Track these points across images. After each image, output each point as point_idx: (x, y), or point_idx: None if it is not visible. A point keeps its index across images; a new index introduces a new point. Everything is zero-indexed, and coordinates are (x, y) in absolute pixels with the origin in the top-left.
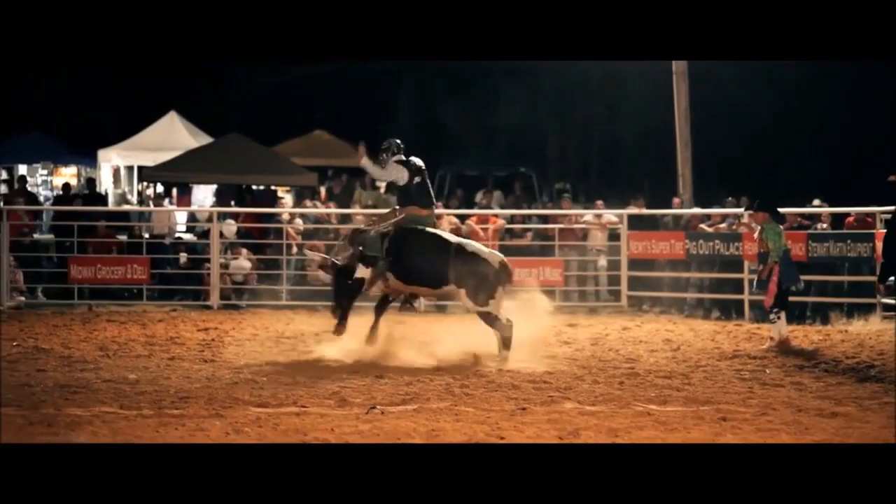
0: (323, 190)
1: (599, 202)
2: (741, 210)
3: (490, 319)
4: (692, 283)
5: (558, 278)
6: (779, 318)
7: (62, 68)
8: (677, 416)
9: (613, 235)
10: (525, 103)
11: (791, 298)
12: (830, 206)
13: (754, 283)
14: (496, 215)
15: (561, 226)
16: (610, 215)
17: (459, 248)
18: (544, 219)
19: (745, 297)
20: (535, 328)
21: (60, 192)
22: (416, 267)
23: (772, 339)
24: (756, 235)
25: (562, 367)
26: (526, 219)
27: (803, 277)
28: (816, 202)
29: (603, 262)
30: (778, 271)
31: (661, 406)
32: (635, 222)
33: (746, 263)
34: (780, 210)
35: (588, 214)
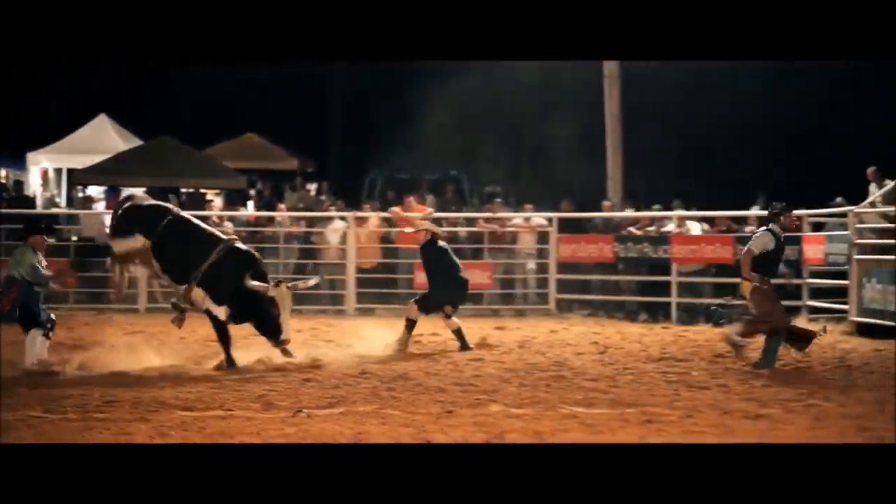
0: (253, 193)
1: (528, 206)
2: (670, 213)
3: None
4: (620, 285)
5: (487, 281)
6: None
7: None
8: (603, 418)
9: (543, 238)
10: (456, 104)
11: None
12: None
13: None
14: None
15: (490, 228)
16: (539, 219)
17: None
18: (473, 222)
19: (673, 299)
20: None
21: None
22: None
23: None
24: None
25: (489, 370)
26: (455, 222)
27: None
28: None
29: (532, 265)
30: None
31: (587, 409)
32: (565, 225)
33: (674, 266)
34: None
35: (517, 218)
